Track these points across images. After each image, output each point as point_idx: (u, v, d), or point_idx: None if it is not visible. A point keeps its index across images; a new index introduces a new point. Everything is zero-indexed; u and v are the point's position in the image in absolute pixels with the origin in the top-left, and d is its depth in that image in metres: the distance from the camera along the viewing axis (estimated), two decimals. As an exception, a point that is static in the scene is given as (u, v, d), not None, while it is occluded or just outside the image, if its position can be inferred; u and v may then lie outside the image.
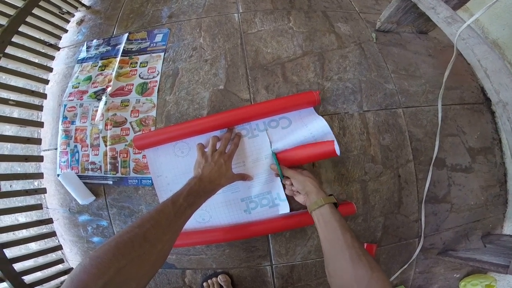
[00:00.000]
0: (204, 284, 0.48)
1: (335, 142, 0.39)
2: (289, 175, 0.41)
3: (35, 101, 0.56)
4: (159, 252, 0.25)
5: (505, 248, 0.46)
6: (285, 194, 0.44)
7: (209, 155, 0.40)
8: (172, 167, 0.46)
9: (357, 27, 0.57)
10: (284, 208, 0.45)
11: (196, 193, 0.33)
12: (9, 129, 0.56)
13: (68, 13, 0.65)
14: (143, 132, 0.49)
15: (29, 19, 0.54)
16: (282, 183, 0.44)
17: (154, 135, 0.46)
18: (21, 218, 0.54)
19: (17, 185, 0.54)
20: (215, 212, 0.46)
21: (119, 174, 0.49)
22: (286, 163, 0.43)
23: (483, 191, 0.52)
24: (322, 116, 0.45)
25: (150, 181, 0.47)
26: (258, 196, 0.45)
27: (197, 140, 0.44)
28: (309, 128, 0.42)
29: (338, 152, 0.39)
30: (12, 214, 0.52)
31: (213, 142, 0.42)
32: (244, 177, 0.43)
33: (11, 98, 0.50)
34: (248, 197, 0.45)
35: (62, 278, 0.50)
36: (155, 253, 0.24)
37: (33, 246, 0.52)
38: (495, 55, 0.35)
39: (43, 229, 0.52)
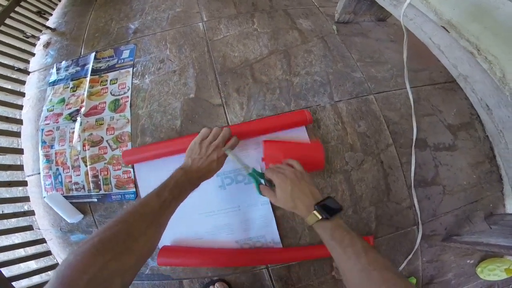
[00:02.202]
0: None
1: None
2: (270, 200, 0.37)
3: (13, 128, 0.60)
4: (143, 246, 0.26)
5: None
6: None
7: (204, 146, 0.40)
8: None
9: (318, 22, 0.63)
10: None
11: (181, 185, 0.35)
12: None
13: (33, 36, 0.70)
14: (120, 149, 0.53)
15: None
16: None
17: (142, 151, 0.49)
18: (17, 240, 0.57)
19: (8, 209, 0.57)
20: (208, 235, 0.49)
21: (102, 191, 0.52)
22: (272, 160, 0.43)
23: (474, 169, 0.55)
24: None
25: (133, 195, 0.51)
26: (253, 239, 0.48)
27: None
28: None
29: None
30: (8, 237, 0.55)
31: (215, 133, 0.41)
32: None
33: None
34: (243, 239, 0.48)
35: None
36: (138, 247, 0.26)
37: (34, 265, 0.55)
38: (442, 30, 0.40)
39: (39, 249, 0.56)
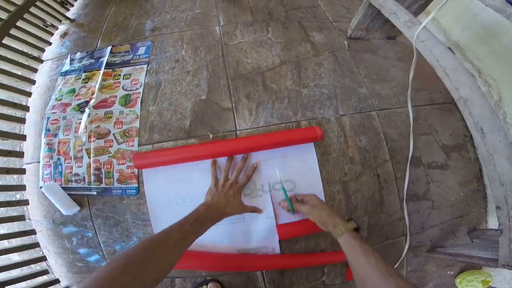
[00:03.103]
0: None
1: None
2: (303, 212, 0.45)
3: (18, 114, 0.59)
4: (161, 270, 0.30)
5: (492, 242, 0.48)
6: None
7: (220, 185, 0.45)
8: (171, 214, 0.48)
9: (330, 36, 0.65)
10: None
11: (202, 220, 0.38)
12: (-11, 143, 0.59)
13: (52, 26, 0.69)
14: (127, 143, 0.53)
15: (13, 31, 0.58)
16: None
17: (155, 156, 0.48)
18: (2, 230, 0.55)
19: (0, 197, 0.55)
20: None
21: (103, 185, 0.51)
22: (286, 236, 0.48)
23: (462, 187, 0.58)
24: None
25: (135, 191, 0.50)
26: (254, 249, 0.49)
27: (200, 170, 0.49)
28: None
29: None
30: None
31: (226, 173, 0.47)
32: (254, 210, 0.48)
33: (-8, 111, 0.53)
34: (244, 249, 0.49)
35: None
36: (157, 272, 0.29)
37: (16, 257, 0.54)
38: (451, 54, 0.41)
39: (26, 240, 0.54)
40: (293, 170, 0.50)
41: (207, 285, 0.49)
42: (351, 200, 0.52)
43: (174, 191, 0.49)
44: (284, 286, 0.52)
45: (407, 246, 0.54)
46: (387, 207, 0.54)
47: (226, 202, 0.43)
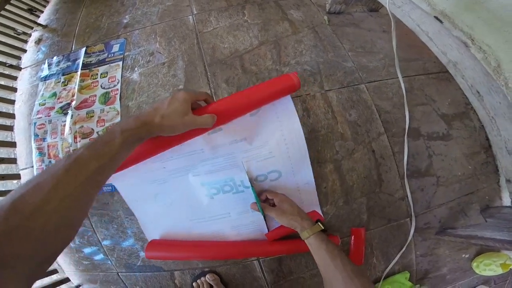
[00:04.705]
0: (194, 284, 0.48)
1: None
2: (273, 216, 0.42)
3: (6, 122, 0.60)
4: (43, 227, 0.17)
5: (507, 221, 0.44)
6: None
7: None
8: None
9: (309, 12, 0.62)
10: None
11: (111, 131, 0.25)
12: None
13: (24, 33, 0.70)
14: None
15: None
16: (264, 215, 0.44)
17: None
18: None
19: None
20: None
21: None
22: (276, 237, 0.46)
23: (469, 159, 0.52)
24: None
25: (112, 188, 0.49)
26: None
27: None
28: (296, 181, 0.45)
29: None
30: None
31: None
32: (204, 122, 0.32)
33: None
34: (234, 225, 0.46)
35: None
36: (36, 228, 0.17)
37: None
38: (431, 18, 0.38)
39: None
40: (276, 160, 0.42)
41: (205, 276, 0.48)
42: (346, 180, 0.49)
43: (152, 193, 0.44)
44: (283, 275, 0.49)
45: (413, 229, 0.50)
46: (386, 186, 0.50)
47: (159, 106, 0.28)
